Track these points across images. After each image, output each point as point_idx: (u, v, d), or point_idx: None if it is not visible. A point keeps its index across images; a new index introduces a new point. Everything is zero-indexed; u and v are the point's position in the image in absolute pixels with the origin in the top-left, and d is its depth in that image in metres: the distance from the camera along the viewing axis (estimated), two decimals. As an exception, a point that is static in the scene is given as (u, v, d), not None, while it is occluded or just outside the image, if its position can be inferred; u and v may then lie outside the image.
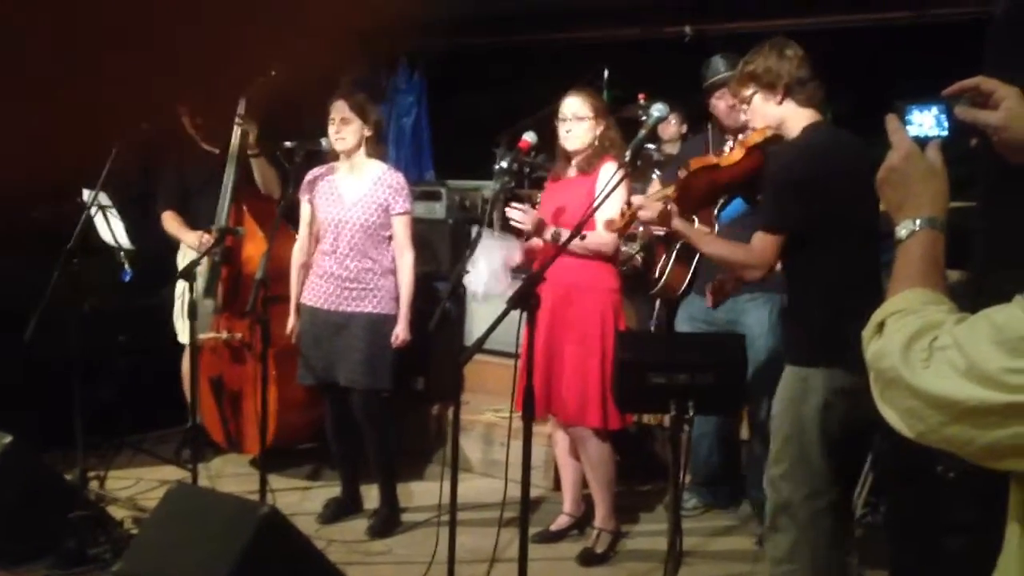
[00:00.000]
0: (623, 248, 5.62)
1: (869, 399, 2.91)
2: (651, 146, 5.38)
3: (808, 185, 2.83)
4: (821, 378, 2.88)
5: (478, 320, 4.98)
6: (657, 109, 3.00)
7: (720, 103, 4.06)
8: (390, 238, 4.12)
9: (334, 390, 4.14)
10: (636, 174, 3.34)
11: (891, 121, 1.41)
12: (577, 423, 3.86)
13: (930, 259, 1.31)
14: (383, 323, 4.06)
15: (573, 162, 3.90)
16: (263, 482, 3.78)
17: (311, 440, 4.77)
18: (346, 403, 4.13)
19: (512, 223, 3.83)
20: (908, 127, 1.40)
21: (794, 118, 2.95)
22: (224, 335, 4.60)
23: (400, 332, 4.05)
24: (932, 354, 1.16)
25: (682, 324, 4.22)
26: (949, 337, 1.16)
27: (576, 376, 3.79)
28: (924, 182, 1.35)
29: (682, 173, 3.26)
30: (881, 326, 1.26)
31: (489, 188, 6.22)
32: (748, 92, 2.97)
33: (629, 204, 3.23)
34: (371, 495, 4.32)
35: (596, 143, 3.84)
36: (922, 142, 1.38)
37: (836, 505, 2.97)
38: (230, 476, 4.65)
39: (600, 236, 3.73)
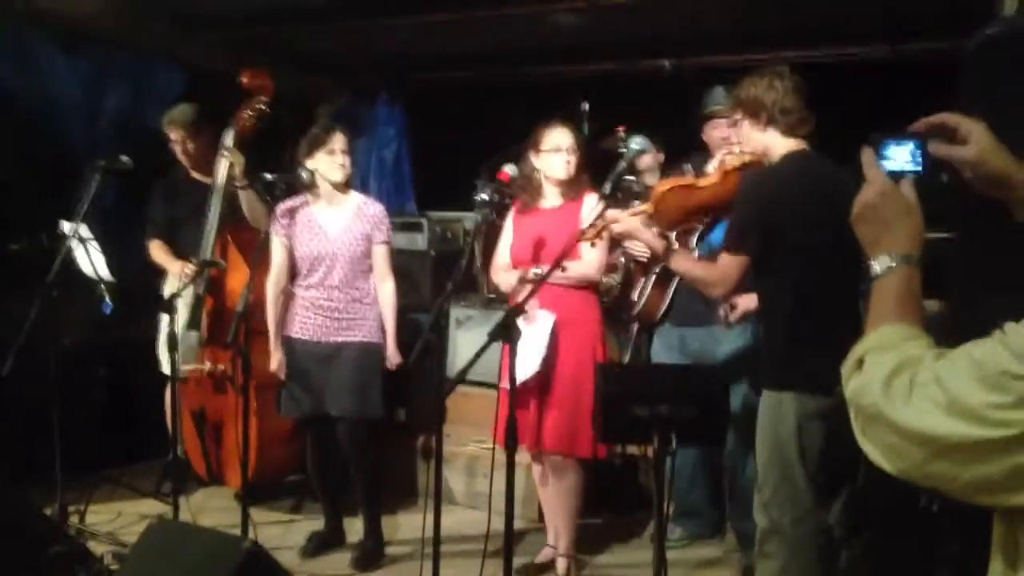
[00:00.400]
0: (604, 279, 5.68)
1: (844, 421, 2.94)
2: (631, 178, 5.42)
3: (770, 209, 2.90)
4: (792, 402, 2.94)
5: (460, 351, 4.99)
6: (636, 143, 3.06)
7: (714, 132, 4.13)
8: (371, 267, 4.15)
9: (319, 423, 4.13)
10: (616, 205, 3.36)
11: (866, 155, 1.41)
12: (567, 452, 3.86)
13: (907, 295, 1.31)
14: (372, 352, 4.09)
15: (557, 191, 3.93)
16: (245, 515, 3.76)
17: (294, 473, 4.75)
18: (331, 435, 4.13)
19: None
20: (884, 161, 1.40)
21: (776, 146, 3.02)
22: (207, 367, 4.59)
23: (392, 356, 4.11)
24: (913, 390, 1.16)
25: (658, 354, 4.25)
26: (930, 373, 1.16)
27: (568, 406, 3.79)
28: (899, 218, 1.35)
29: (659, 189, 3.30)
30: (860, 362, 1.27)
31: (470, 219, 6.27)
32: (737, 117, 3.08)
33: (602, 216, 3.25)
34: (353, 528, 4.30)
35: (573, 180, 3.92)
36: (896, 176, 1.38)
37: (823, 530, 3.01)
38: (213, 510, 4.62)
39: (584, 264, 3.77)
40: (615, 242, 5.58)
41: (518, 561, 3.82)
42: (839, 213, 3.08)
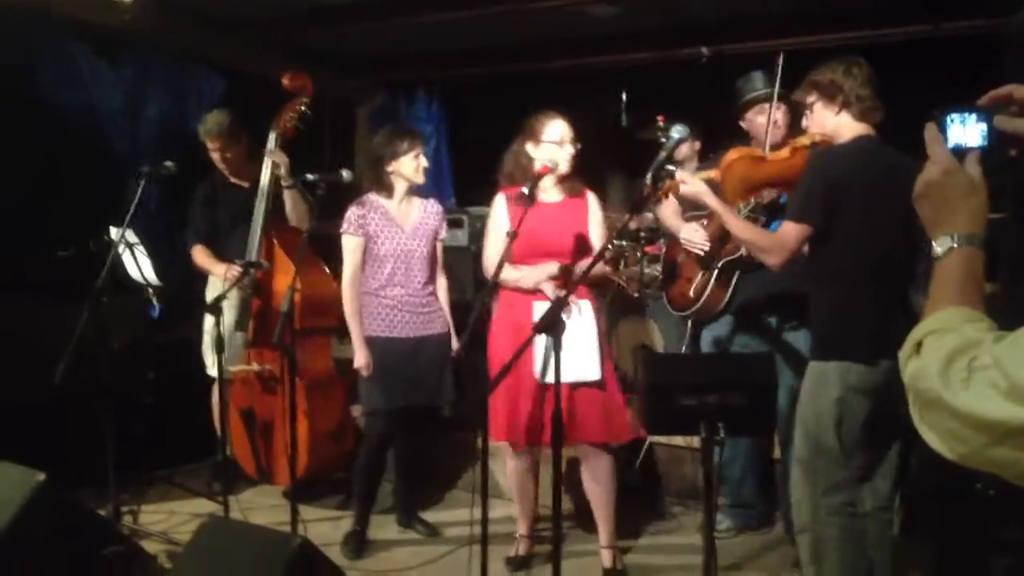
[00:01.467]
0: (647, 270, 5.66)
1: (886, 398, 2.92)
2: (671, 167, 5.39)
3: (837, 183, 2.97)
4: (836, 372, 3.00)
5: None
6: (677, 131, 3.03)
7: (758, 118, 4.06)
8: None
9: (391, 417, 4.23)
10: (656, 195, 3.34)
11: (930, 131, 1.37)
12: (606, 440, 3.84)
13: (968, 277, 1.28)
14: (446, 342, 4.30)
15: (556, 186, 3.90)
16: (294, 513, 3.79)
17: (342, 471, 4.78)
18: (392, 431, 4.28)
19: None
20: (947, 137, 1.36)
21: (847, 130, 3.10)
22: (254, 367, 4.63)
23: (458, 345, 4.24)
24: (972, 374, 1.13)
25: (707, 348, 4.21)
26: (989, 356, 1.13)
27: (593, 395, 3.76)
28: (963, 198, 1.32)
29: (729, 156, 3.30)
30: (919, 346, 1.23)
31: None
32: (811, 99, 3.14)
33: (673, 176, 3.26)
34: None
35: (570, 174, 3.90)
36: (961, 153, 1.34)
37: (855, 503, 3.04)
38: (262, 507, 4.66)
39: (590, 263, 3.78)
40: (654, 234, 5.63)
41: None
42: (900, 197, 3.11)
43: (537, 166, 3.76)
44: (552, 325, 2.69)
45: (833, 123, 3.12)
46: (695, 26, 5.94)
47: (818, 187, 3.00)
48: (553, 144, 3.82)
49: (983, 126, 1.35)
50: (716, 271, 3.93)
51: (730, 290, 3.98)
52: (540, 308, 3.85)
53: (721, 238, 3.87)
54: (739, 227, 3.25)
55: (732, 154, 3.38)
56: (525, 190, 3.60)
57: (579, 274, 3.72)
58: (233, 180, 4.93)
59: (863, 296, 3.01)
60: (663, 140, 5.42)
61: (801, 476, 3.07)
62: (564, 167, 3.83)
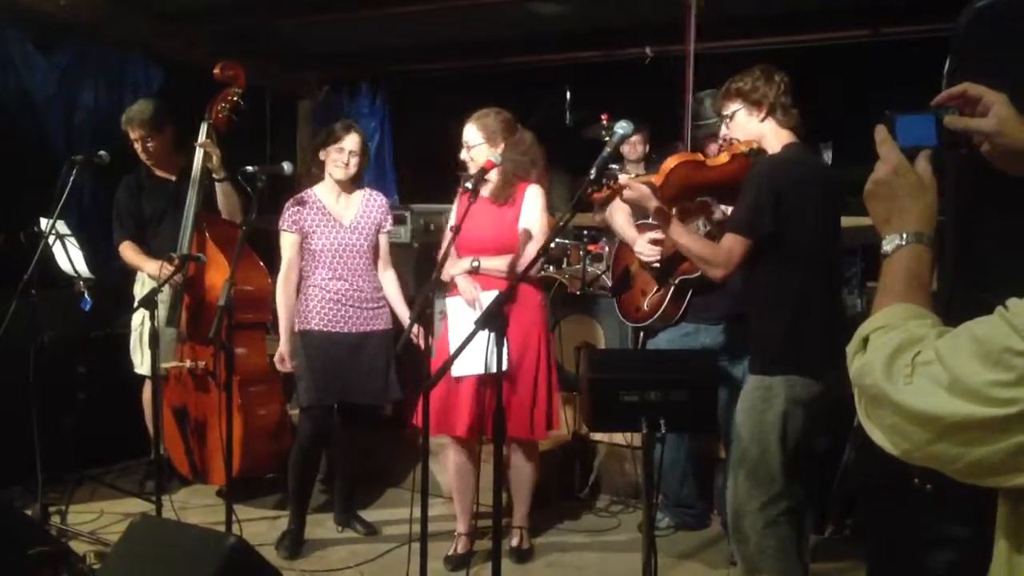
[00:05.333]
0: (589, 269, 5.66)
1: (822, 410, 2.96)
2: (615, 166, 5.39)
3: (785, 196, 2.97)
4: (782, 386, 3.00)
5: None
6: (621, 127, 3.00)
7: (711, 147, 4.06)
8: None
9: (326, 414, 4.17)
10: (599, 192, 3.31)
11: (879, 132, 1.37)
12: (528, 437, 3.95)
13: (915, 274, 1.28)
14: (390, 338, 4.21)
15: (497, 182, 3.94)
16: (229, 512, 3.71)
17: (277, 470, 4.70)
18: (329, 428, 4.22)
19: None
20: (898, 138, 1.36)
21: (773, 136, 3.12)
22: (188, 364, 4.52)
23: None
24: (915, 369, 1.13)
25: (661, 346, 4.20)
26: (931, 351, 1.13)
27: (525, 392, 3.86)
28: (912, 196, 1.32)
29: (669, 162, 3.29)
30: (865, 342, 1.23)
31: (453, 211, 6.23)
32: (733, 108, 3.14)
33: (616, 178, 3.25)
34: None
35: (501, 172, 3.90)
36: (912, 153, 1.35)
37: (792, 511, 3.05)
38: (196, 507, 4.56)
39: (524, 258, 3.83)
40: (599, 232, 5.63)
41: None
42: (836, 205, 3.17)
43: (481, 161, 3.81)
44: (492, 320, 2.65)
45: (757, 130, 3.13)
46: (640, 26, 5.95)
47: (764, 198, 2.98)
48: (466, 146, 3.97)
49: (931, 126, 1.35)
50: (672, 288, 3.91)
51: (684, 305, 3.98)
52: (453, 303, 3.98)
53: (678, 254, 3.88)
54: (683, 237, 3.20)
55: (672, 159, 3.35)
56: (468, 184, 3.59)
57: (495, 269, 3.86)
58: (159, 173, 4.78)
59: (815, 309, 3.02)
60: (607, 138, 5.49)
61: (741, 486, 3.05)
62: (470, 169, 3.92)
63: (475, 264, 3.89)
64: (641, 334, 4.49)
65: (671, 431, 2.87)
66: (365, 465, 4.71)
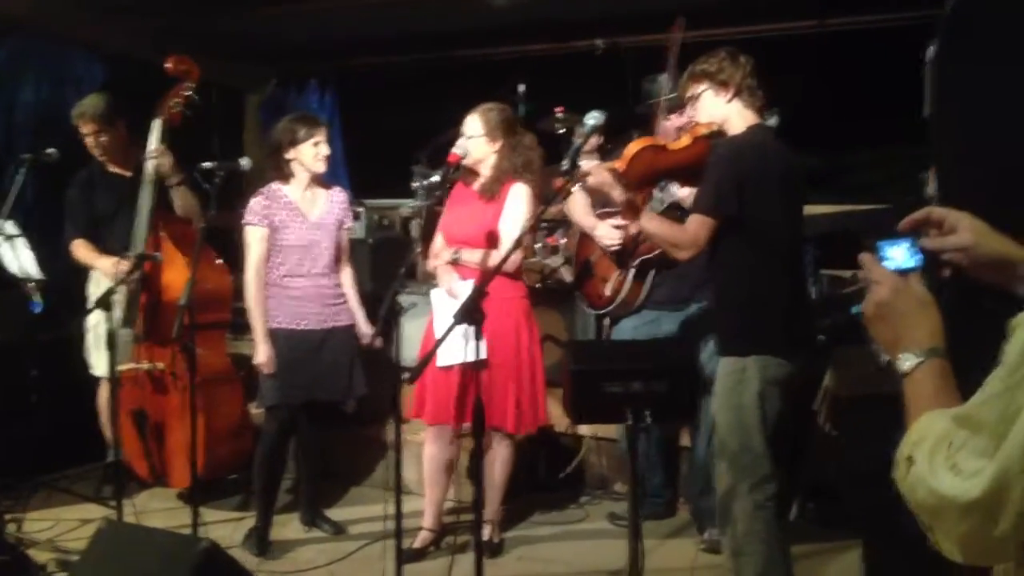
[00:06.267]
0: (546, 261, 5.66)
1: (794, 388, 3.01)
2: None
3: (750, 176, 3.00)
4: (755, 367, 3.02)
5: (407, 338, 4.88)
6: (592, 117, 3.02)
7: (668, 124, 4.09)
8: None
9: (290, 412, 4.11)
10: (548, 186, 3.32)
11: (867, 259, 1.38)
12: (512, 430, 3.93)
13: (942, 386, 1.26)
14: (353, 334, 4.20)
15: (484, 176, 3.95)
16: (195, 515, 3.63)
17: (239, 470, 4.62)
18: (292, 427, 4.16)
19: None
20: (884, 263, 1.38)
21: (739, 117, 3.14)
22: (145, 365, 4.43)
23: (367, 330, 4.17)
24: (955, 454, 1.10)
25: (625, 336, 4.21)
26: (961, 430, 1.11)
27: (510, 384, 3.85)
28: (918, 312, 1.32)
29: (632, 147, 3.30)
30: (910, 460, 1.20)
31: (408, 206, 6.18)
32: (700, 89, 3.15)
33: (578, 166, 3.22)
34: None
35: (494, 168, 3.90)
36: (901, 275, 1.37)
37: (777, 495, 3.09)
38: (156, 511, 4.46)
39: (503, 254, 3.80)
40: (555, 224, 5.64)
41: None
42: (798, 186, 3.21)
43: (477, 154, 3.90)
44: (468, 314, 2.64)
45: (723, 112, 3.16)
46: (592, 18, 5.95)
47: (728, 179, 3.01)
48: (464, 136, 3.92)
49: (913, 248, 1.38)
50: (633, 270, 3.93)
51: (646, 287, 4.01)
52: (436, 293, 4.00)
53: (636, 237, 3.90)
54: (652, 222, 3.22)
55: (635, 144, 3.37)
56: (435, 178, 3.58)
57: (474, 261, 3.86)
58: (112, 168, 4.67)
59: (777, 288, 3.06)
60: (561, 131, 5.50)
61: (727, 472, 3.08)
62: (465, 161, 3.89)
63: (456, 255, 3.91)
64: (606, 322, 4.53)
65: (656, 422, 2.87)
66: (328, 463, 4.66)
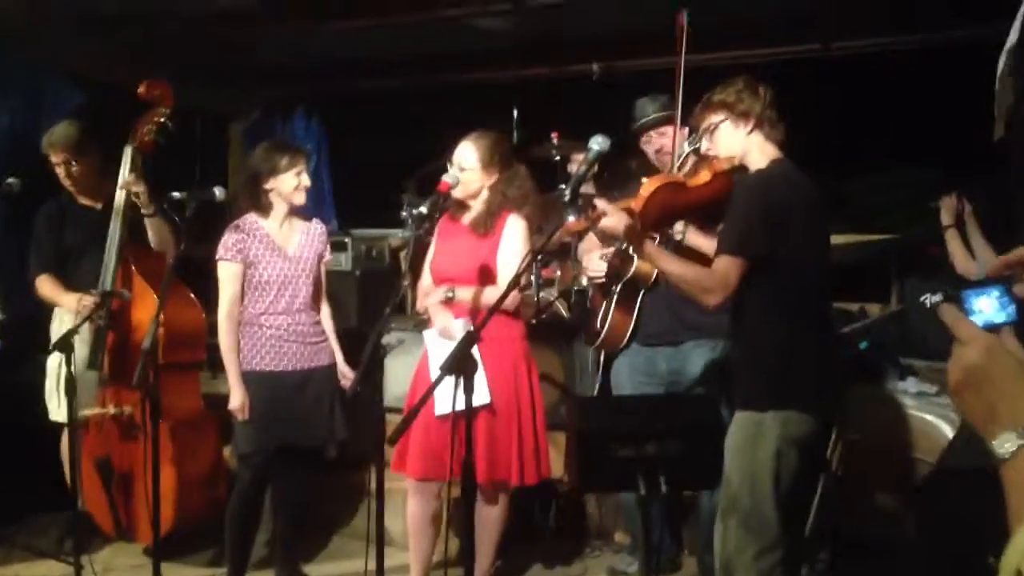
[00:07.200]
0: (541, 295, 5.39)
1: (817, 445, 2.76)
2: (562, 186, 5.15)
3: (777, 213, 2.78)
4: (773, 424, 2.78)
5: (393, 377, 4.62)
6: (597, 143, 2.76)
7: (648, 147, 3.94)
8: None
9: (265, 459, 3.81)
10: (575, 213, 3.04)
11: (950, 312, 1.17)
12: (515, 482, 3.61)
13: None
14: (333, 374, 3.96)
15: (476, 209, 3.70)
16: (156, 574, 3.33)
17: (213, 520, 4.31)
18: (267, 475, 3.88)
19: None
20: (971, 316, 1.17)
21: (759, 151, 2.93)
22: (111, 410, 4.14)
23: (347, 371, 3.96)
24: None
25: (621, 377, 3.95)
26: None
27: (509, 433, 3.56)
28: (1016, 381, 1.10)
29: (646, 188, 3.04)
30: (1019, 573, 0.99)
31: (396, 236, 5.93)
32: (716, 119, 2.94)
33: (594, 207, 2.97)
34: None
35: (487, 203, 3.66)
36: (990, 331, 1.16)
37: (786, 562, 2.84)
38: (121, 569, 4.16)
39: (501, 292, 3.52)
40: (550, 255, 5.39)
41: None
42: (824, 223, 2.98)
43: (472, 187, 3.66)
44: (461, 364, 2.37)
45: (743, 143, 2.95)
46: (587, 41, 5.75)
47: (758, 217, 2.77)
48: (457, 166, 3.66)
49: (1007, 298, 1.18)
50: (615, 296, 3.72)
51: (634, 315, 3.77)
52: (430, 335, 3.71)
53: (618, 262, 3.67)
54: (674, 266, 2.94)
55: (652, 183, 3.10)
56: (424, 209, 3.30)
57: (469, 299, 3.59)
58: (83, 200, 4.40)
59: (809, 337, 2.82)
60: (557, 157, 5.27)
61: (733, 534, 2.83)
62: (455, 192, 3.61)
63: (449, 294, 3.62)
64: (601, 357, 4.29)
65: (673, 488, 2.54)
66: (308, 513, 4.36)
